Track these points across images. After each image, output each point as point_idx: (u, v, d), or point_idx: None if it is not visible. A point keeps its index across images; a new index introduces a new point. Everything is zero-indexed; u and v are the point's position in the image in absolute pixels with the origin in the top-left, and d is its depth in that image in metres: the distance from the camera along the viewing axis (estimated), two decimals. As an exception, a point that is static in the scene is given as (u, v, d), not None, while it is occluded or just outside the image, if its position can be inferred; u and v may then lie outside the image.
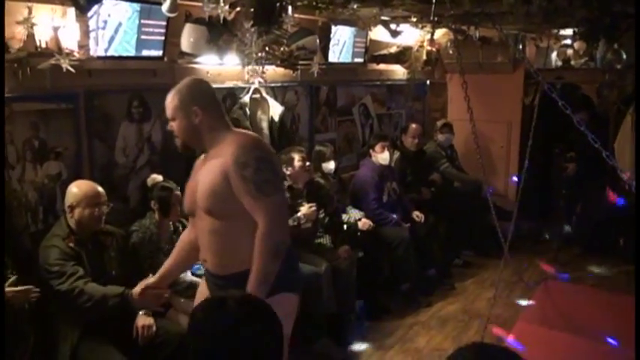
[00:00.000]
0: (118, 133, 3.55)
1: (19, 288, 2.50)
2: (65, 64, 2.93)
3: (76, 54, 3.07)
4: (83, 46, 3.14)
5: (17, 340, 2.61)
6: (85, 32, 3.14)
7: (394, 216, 4.87)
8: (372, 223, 4.59)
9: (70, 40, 3.10)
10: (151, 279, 2.60)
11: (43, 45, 2.98)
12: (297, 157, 4.09)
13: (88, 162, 3.37)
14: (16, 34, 2.90)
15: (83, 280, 2.75)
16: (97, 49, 3.18)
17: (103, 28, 3.18)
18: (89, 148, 3.38)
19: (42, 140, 3.14)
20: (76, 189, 2.95)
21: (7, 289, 2.17)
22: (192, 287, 3.13)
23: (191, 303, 3.14)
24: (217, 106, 2.36)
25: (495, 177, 6.31)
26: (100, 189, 2.99)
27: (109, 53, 3.25)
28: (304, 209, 4.00)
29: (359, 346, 4.10)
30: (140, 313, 2.93)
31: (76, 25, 3.11)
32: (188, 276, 3.30)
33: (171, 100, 2.32)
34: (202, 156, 2.43)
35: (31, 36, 2.92)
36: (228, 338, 1.34)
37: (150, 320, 2.96)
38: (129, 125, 3.60)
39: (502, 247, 4.33)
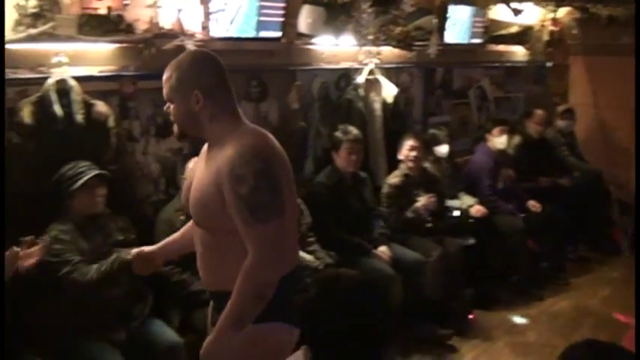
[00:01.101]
0: (237, 112, 3.63)
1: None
2: (190, 45, 3.04)
3: (198, 35, 3.19)
4: (204, 27, 3.25)
5: (136, 300, 2.80)
6: (207, 14, 3.25)
7: (509, 205, 4.68)
8: (485, 210, 4.45)
9: (192, 22, 3.21)
10: (148, 247, 2.29)
11: (167, 27, 3.12)
12: (409, 144, 4.04)
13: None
14: (141, 16, 3.05)
15: None
16: (217, 31, 3.29)
17: (224, 10, 3.28)
18: (209, 126, 3.49)
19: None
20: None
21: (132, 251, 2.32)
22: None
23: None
24: (225, 91, 1.86)
25: (618, 168, 5.89)
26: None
27: (229, 34, 3.34)
28: (423, 200, 3.95)
29: (465, 336, 4.00)
30: None
31: (199, 7, 3.22)
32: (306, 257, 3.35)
33: (167, 78, 1.85)
34: (206, 145, 1.95)
35: (155, 18, 3.06)
36: (338, 315, 1.38)
37: None
38: (246, 105, 3.70)
39: (621, 243, 4.04)
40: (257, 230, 1.70)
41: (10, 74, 2.76)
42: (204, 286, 2.05)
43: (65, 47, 2.83)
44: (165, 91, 1.86)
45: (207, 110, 1.80)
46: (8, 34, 2.68)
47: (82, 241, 2.69)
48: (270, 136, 1.90)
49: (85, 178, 2.63)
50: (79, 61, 2.90)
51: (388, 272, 3.53)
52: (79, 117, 2.80)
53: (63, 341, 2.58)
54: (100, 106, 2.91)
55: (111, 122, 2.92)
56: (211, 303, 2.02)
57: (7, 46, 2.67)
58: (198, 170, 1.93)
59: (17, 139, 2.73)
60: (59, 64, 2.82)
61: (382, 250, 3.73)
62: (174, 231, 2.30)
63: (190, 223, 2.12)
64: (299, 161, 3.99)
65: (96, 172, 2.66)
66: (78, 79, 2.84)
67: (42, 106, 2.75)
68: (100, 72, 2.99)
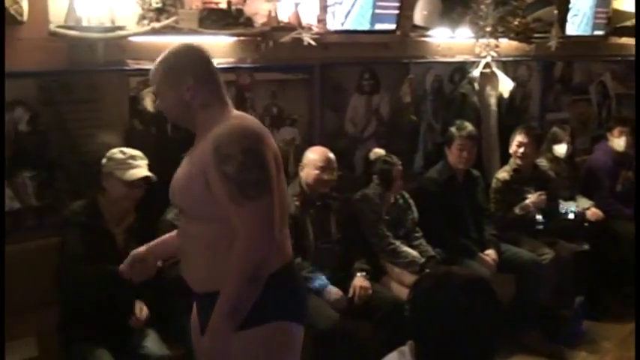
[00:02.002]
0: (349, 104, 3.69)
1: None
2: (307, 38, 3.07)
3: (314, 28, 3.22)
4: (321, 20, 3.28)
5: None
6: (324, 7, 3.29)
7: (628, 210, 4.40)
8: (601, 214, 4.21)
9: (308, 15, 3.25)
10: (140, 249, 2.15)
11: (285, 20, 3.17)
12: (517, 140, 3.88)
13: (319, 129, 3.57)
14: (260, 9, 3.12)
15: None
16: (333, 24, 3.31)
17: (340, 3, 3.30)
18: (321, 117, 3.57)
19: (279, 107, 3.38)
20: (312, 154, 3.12)
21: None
22: (414, 264, 3.27)
23: (405, 273, 3.23)
24: (214, 78, 1.85)
25: None
26: (332, 156, 3.13)
27: (345, 27, 3.35)
28: (533, 197, 3.80)
29: (572, 346, 3.82)
30: (358, 274, 3.08)
31: (316, 0, 3.25)
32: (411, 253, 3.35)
33: (155, 71, 1.83)
34: None
35: (274, 11, 3.11)
36: (449, 312, 1.35)
37: (367, 283, 3.08)
38: (359, 97, 3.71)
39: None
40: (247, 207, 1.65)
41: (133, 65, 2.93)
42: (191, 286, 1.87)
43: (185, 40, 2.94)
44: (153, 82, 1.85)
45: (199, 99, 1.78)
46: (132, 27, 2.83)
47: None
48: (255, 119, 1.90)
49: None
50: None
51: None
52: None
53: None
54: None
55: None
56: (195, 309, 1.93)
57: (131, 38, 2.83)
58: (184, 160, 1.88)
59: (139, 126, 2.89)
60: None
61: (488, 253, 3.61)
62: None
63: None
64: (409, 155, 3.96)
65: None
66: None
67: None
68: (219, 64, 3.06)
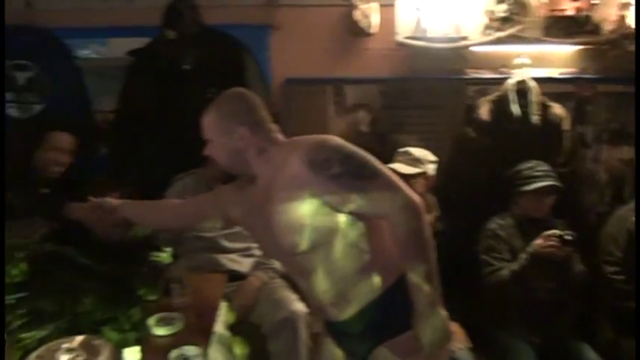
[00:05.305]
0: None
1: None
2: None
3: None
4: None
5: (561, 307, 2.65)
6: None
7: None
8: None
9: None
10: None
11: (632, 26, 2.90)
12: None
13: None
14: (609, 15, 2.90)
15: None
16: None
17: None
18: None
19: (621, 123, 3.10)
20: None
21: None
22: None
23: None
24: (266, 120, 1.70)
25: None
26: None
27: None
28: None
29: None
30: None
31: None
32: None
33: (209, 118, 1.71)
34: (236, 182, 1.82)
35: (622, 18, 2.88)
36: None
37: None
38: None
39: None
40: (376, 184, 1.51)
41: (472, 74, 2.99)
42: (330, 318, 1.69)
43: (528, 49, 2.91)
44: (205, 129, 1.72)
45: (254, 145, 1.66)
46: (476, 36, 2.88)
47: (517, 240, 2.69)
48: None
49: (540, 185, 2.60)
50: (539, 62, 2.96)
51: None
52: (535, 118, 2.82)
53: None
54: (557, 108, 2.88)
55: (566, 125, 2.86)
56: (328, 344, 1.75)
57: (473, 47, 2.89)
58: (244, 204, 1.73)
59: (473, 134, 2.92)
60: (521, 66, 2.90)
61: None
62: None
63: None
64: None
65: (551, 182, 2.62)
66: (537, 80, 2.87)
67: (500, 104, 2.86)
68: (560, 74, 2.97)
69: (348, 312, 1.62)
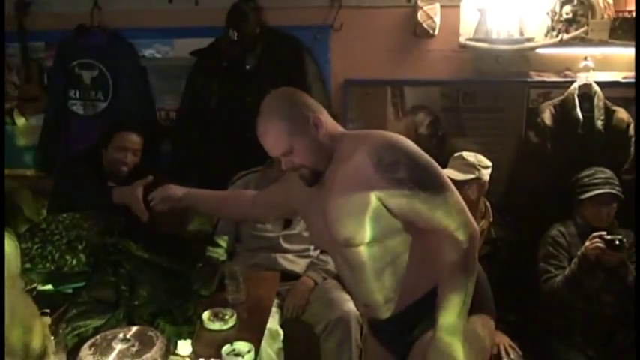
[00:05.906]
0: None
1: None
2: None
3: None
4: None
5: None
6: None
7: None
8: None
9: None
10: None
11: None
12: None
13: None
14: None
15: None
16: None
17: None
18: None
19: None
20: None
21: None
22: None
23: None
24: (322, 108, 1.66)
25: None
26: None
27: None
28: None
29: None
30: None
31: None
32: None
33: (265, 131, 1.59)
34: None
35: None
36: None
37: None
38: None
39: None
40: (438, 200, 1.49)
41: (535, 76, 2.95)
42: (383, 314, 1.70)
43: (593, 52, 2.85)
44: (276, 145, 1.60)
45: (329, 130, 1.61)
46: (540, 38, 2.84)
47: (577, 249, 2.65)
48: None
49: (596, 192, 2.57)
50: (604, 65, 2.90)
51: None
52: (599, 123, 2.77)
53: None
54: (621, 113, 2.83)
55: (631, 130, 2.81)
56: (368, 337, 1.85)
57: (537, 50, 2.85)
58: (305, 191, 1.69)
59: (535, 139, 2.88)
60: (586, 69, 2.87)
61: None
62: None
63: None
64: None
65: (607, 190, 2.56)
66: (601, 84, 2.82)
67: (563, 109, 2.83)
68: (624, 77, 2.91)
69: (393, 310, 1.65)
